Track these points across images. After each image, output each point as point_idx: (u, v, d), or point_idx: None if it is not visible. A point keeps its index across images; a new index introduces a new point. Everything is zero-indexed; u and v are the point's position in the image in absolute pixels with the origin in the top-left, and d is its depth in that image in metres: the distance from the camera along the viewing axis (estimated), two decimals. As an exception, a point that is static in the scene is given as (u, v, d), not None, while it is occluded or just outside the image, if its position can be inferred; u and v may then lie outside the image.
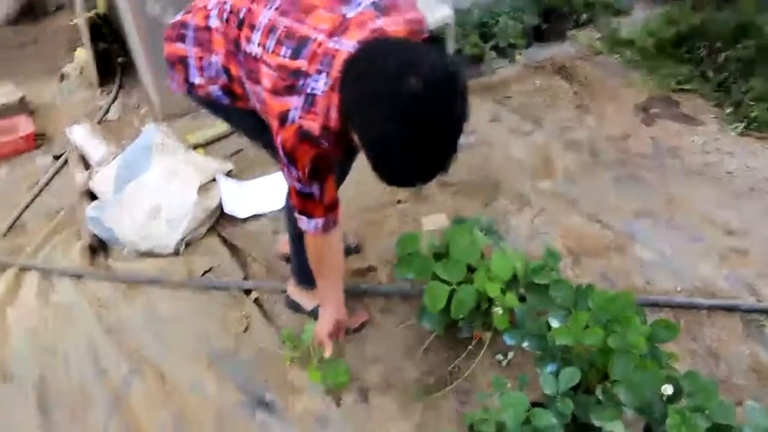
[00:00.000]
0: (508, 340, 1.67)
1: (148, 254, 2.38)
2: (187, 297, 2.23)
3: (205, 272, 2.31)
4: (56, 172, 2.85)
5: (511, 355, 1.95)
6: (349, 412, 1.87)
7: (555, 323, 1.57)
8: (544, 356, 1.57)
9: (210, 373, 1.98)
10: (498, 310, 1.67)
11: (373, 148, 1.25)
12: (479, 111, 2.97)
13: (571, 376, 1.48)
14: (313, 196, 1.50)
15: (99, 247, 2.43)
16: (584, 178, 2.61)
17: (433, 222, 2.40)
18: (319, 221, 1.54)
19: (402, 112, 1.16)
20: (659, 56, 3.24)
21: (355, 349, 2.03)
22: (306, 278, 1.93)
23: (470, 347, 1.97)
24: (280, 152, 1.41)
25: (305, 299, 2.08)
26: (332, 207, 1.55)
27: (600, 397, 1.45)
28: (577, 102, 3.05)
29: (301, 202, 1.52)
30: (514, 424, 1.44)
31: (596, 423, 1.40)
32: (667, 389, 1.40)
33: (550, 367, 1.56)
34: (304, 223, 1.56)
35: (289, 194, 1.66)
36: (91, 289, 2.27)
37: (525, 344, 1.60)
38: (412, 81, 1.14)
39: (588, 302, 1.56)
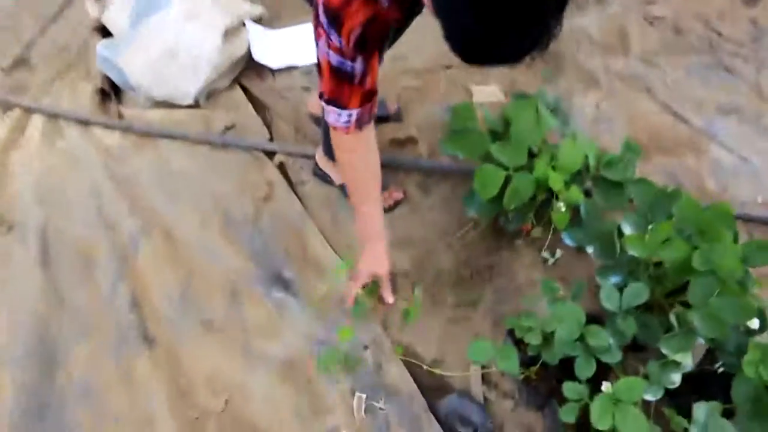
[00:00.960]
0: (568, 240, 1.45)
1: (164, 103, 2.13)
2: (203, 154, 2.01)
3: (226, 129, 2.06)
4: (67, 3, 2.54)
5: (558, 254, 1.74)
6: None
7: (628, 229, 1.33)
8: (608, 266, 1.35)
9: (224, 239, 1.80)
10: (560, 206, 1.43)
11: (447, 7, 0.89)
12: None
13: (638, 292, 1.27)
14: (352, 77, 1.18)
15: (110, 92, 2.19)
16: (664, 61, 2.24)
17: (486, 94, 2.10)
18: (354, 113, 1.24)
19: None
20: None
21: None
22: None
23: (516, 241, 1.76)
24: (320, 10, 1.10)
25: (334, 171, 1.85)
26: (371, 95, 1.25)
27: (672, 322, 1.24)
28: (664, -31, 2.60)
29: (335, 84, 1.20)
30: (566, 340, 1.25)
31: (664, 351, 1.20)
32: (754, 322, 1.19)
33: (614, 279, 1.34)
34: (333, 115, 1.26)
35: (318, 71, 1.24)
36: (100, 137, 2.06)
37: (590, 249, 1.38)
38: None
39: (670, 209, 1.32)
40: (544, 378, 1.46)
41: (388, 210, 1.84)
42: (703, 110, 2.09)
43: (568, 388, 1.26)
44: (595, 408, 1.18)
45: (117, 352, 1.62)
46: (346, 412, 1.51)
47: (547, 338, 1.34)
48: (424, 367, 1.56)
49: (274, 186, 1.90)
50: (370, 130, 1.33)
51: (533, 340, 1.34)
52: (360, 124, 1.27)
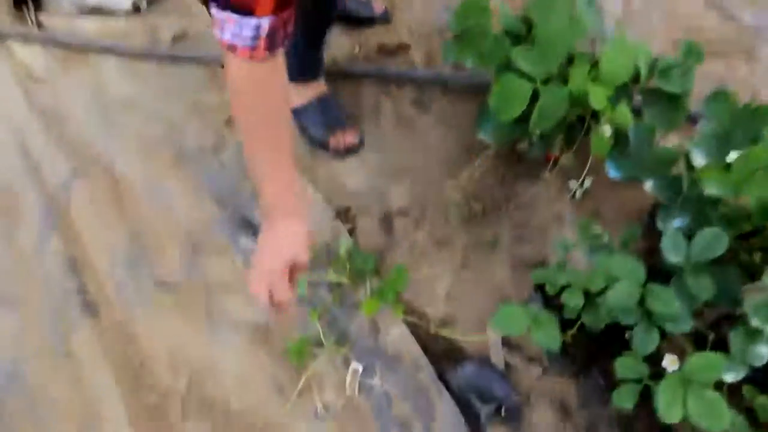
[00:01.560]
0: (614, 172, 1.14)
1: (97, 11, 1.72)
2: (149, 72, 1.62)
3: (175, 39, 1.68)
4: None
5: (588, 184, 1.43)
6: (366, 245, 1.40)
7: (700, 159, 1.02)
8: (671, 205, 1.05)
9: (178, 178, 1.47)
10: (605, 129, 1.11)
11: None
12: None
13: (714, 241, 0.97)
14: None
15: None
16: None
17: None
18: (264, 24, 0.85)
19: None
20: None
21: (374, 156, 1.50)
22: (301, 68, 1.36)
23: (537, 170, 1.45)
24: None
25: (293, 95, 1.49)
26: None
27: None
28: None
29: None
30: (623, 305, 0.96)
31: (754, 319, 0.92)
32: None
33: (679, 222, 1.04)
34: (231, 29, 0.86)
35: None
36: (18, 55, 1.66)
37: (647, 184, 1.07)
38: None
39: (756, 130, 1.00)
40: (581, 341, 1.19)
41: (338, 156, 1.50)
42: (757, 6, 1.73)
43: (623, 366, 0.98)
44: (663, 393, 0.91)
45: (51, 325, 1.31)
46: (338, 386, 1.23)
47: (590, 299, 1.06)
48: (432, 329, 1.28)
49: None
50: (280, 61, 0.94)
51: (573, 300, 1.06)
52: (272, 44, 0.89)
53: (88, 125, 1.54)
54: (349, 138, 1.48)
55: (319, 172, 1.49)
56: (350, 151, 1.49)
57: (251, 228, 1.39)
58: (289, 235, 1.01)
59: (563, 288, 1.12)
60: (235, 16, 0.84)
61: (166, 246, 1.39)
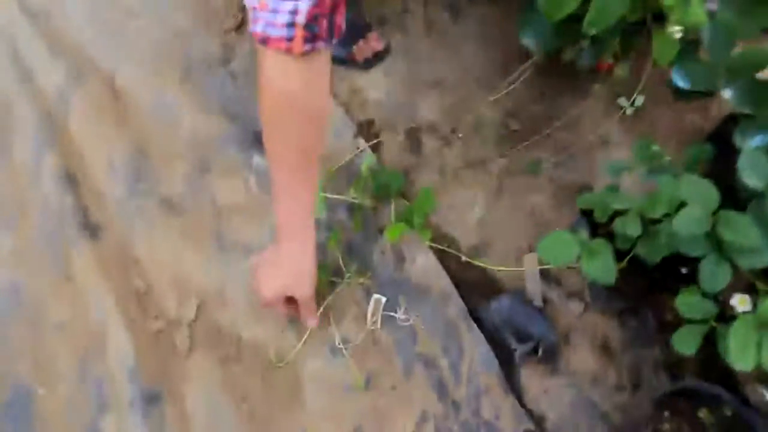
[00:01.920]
0: (681, 82, 0.97)
1: None
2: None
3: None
4: None
5: (640, 101, 1.26)
6: (391, 164, 1.26)
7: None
8: (753, 118, 0.88)
9: (183, 90, 1.33)
10: (674, 31, 0.93)
11: None
12: None
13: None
14: None
15: None
16: None
17: None
18: (302, 7, 0.70)
19: None
20: None
21: (401, 66, 1.34)
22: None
23: (586, 84, 1.28)
24: None
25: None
26: None
27: None
28: None
29: None
30: (692, 233, 0.82)
31: None
32: None
33: (760, 140, 0.88)
34: (265, 17, 0.72)
35: None
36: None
37: (725, 93, 0.90)
38: None
39: None
40: (630, 276, 1.05)
41: (364, 66, 1.33)
42: None
43: (687, 304, 0.85)
44: (734, 337, 0.78)
45: (49, 246, 1.21)
46: (358, 319, 1.12)
47: (647, 227, 0.92)
48: (462, 257, 1.16)
49: (248, 11, 1.38)
50: (326, 56, 0.79)
51: (629, 228, 0.91)
52: (312, 35, 0.73)
53: (83, 30, 1.39)
54: (374, 44, 1.31)
55: (340, 83, 1.33)
56: (377, 57, 1.32)
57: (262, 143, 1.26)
58: (289, 263, 0.95)
59: (615, 215, 0.97)
60: (268, 0, 0.70)
61: (171, 164, 1.26)
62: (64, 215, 1.23)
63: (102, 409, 1.10)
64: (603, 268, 0.87)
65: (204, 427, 1.07)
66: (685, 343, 0.84)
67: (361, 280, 1.12)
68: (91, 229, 1.22)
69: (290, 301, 1.02)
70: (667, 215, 0.89)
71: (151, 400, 1.10)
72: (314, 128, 0.87)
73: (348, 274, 1.12)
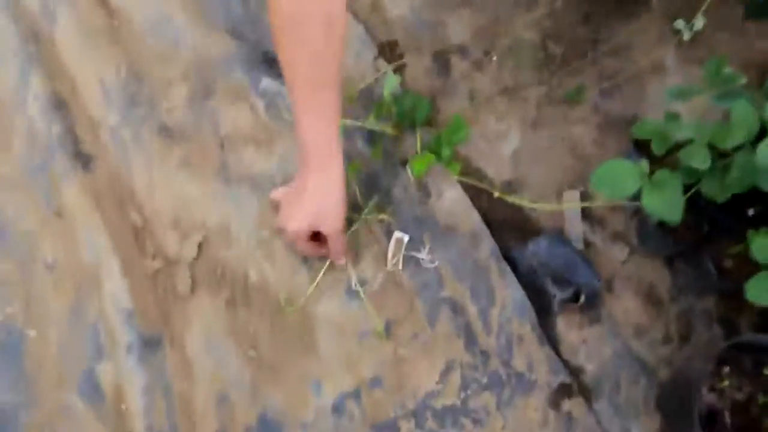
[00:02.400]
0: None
1: None
2: None
3: None
4: None
5: (700, 24, 1.11)
6: (416, 89, 1.12)
7: None
8: None
9: (183, 6, 1.19)
10: None
11: None
12: None
13: None
14: None
15: None
16: None
17: None
18: None
19: None
20: None
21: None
22: None
23: (636, 8, 1.13)
24: None
25: None
26: None
27: None
28: None
29: None
30: None
31: None
32: None
33: None
34: None
35: None
36: None
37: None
38: None
39: None
40: (685, 215, 0.92)
41: None
42: None
43: (762, 248, 0.72)
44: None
45: (37, 178, 1.09)
46: (377, 259, 1.01)
47: (715, 161, 0.79)
48: (494, 193, 1.03)
49: None
50: None
51: (696, 160, 0.78)
52: None
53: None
54: None
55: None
56: None
57: (275, 66, 1.12)
58: (316, 195, 0.85)
59: (676, 147, 0.84)
60: None
61: (171, 87, 1.13)
62: (52, 144, 1.11)
63: (97, 354, 1.01)
64: (669, 203, 0.74)
65: (207, 375, 0.98)
66: (763, 292, 0.72)
67: (381, 216, 1.01)
68: (83, 160, 1.10)
69: (315, 237, 0.92)
70: (738, 148, 0.76)
71: (150, 345, 1.00)
72: (330, 34, 0.75)
73: (366, 210, 1.00)
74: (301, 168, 0.86)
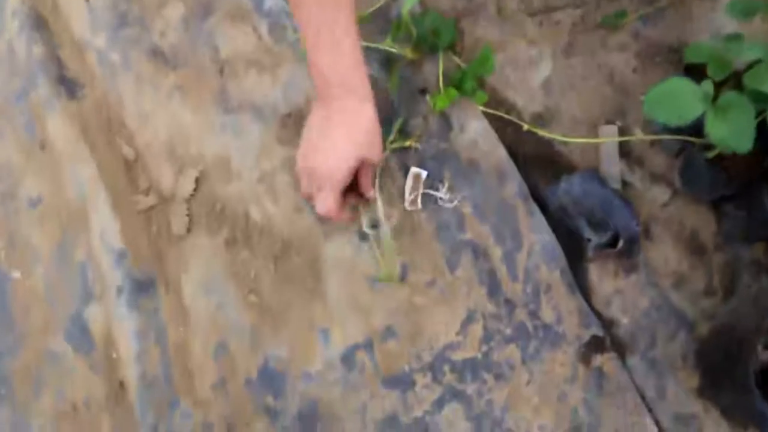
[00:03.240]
0: None
1: None
2: None
3: None
4: None
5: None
6: (437, 10, 1.01)
7: None
8: None
9: None
10: None
11: None
12: None
13: None
14: None
15: None
16: None
17: None
18: None
19: None
20: None
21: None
22: None
23: None
24: None
25: None
26: None
27: None
28: None
29: None
30: None
31: None
32: None
33: None
34: None
35: None
36: None
37: None
38: None
39: None
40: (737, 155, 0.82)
41: None
42: None
43: None
44: None
45: (18, 106, 1.00)
46: (393, 198, 0.91)
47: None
48: (523, 126, 0.93)
49: None
50: None
51: (765, 84, 0.67)
52: None
53: None
54: None
55: None
56: None
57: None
58: (349, 120, 0.72)
59: (734, 74, 0.73)
60: None
61: (164, 6, 1.02)
62: (33, 69, 1.00)
63: (86, 296, 0.93)
64: (737, 129, 0.63)
65: (204, 321, 0.89)
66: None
67: (408, 142, 0.90)
68: (68, 86, 1.00)
69: None
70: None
71: (142, 288, 0.91)
72: None
73: (391, 136, 0.90)
74: (317, 103, 0.75)
